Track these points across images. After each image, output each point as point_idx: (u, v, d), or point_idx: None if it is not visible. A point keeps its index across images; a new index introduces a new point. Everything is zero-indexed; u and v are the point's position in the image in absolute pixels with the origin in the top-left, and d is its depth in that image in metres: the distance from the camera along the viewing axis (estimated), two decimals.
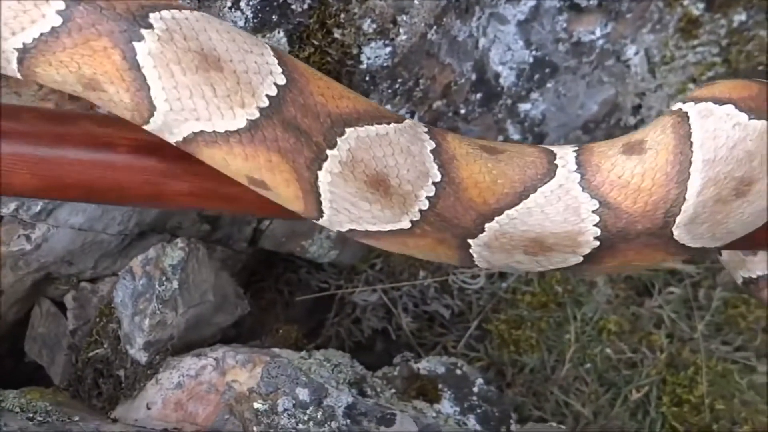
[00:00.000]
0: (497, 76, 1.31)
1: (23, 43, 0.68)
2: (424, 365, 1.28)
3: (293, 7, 1.05)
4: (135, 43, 0.66)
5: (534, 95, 1.36)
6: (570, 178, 0.72)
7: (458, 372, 1.28)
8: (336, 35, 1.10)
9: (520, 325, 1.55)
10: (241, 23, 1.02)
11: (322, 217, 0.72)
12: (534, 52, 1.31)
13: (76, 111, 1.02)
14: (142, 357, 1.09)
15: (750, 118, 0.69)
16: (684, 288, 1.61)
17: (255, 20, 1.02)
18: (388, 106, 1.20)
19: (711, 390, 1.50)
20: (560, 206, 0.71)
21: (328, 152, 0.68)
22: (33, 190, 0.77)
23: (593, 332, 1.57)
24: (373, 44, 1.13)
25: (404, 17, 1.13)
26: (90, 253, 1.15)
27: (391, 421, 1.05)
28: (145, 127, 0.71)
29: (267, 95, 0.68)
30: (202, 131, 0.68)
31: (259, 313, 1.46)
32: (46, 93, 1.02)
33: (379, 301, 1.50)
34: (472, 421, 1.21)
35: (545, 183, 0.72)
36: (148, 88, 0.67)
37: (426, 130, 0.73)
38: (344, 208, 0.71)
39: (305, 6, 1.05)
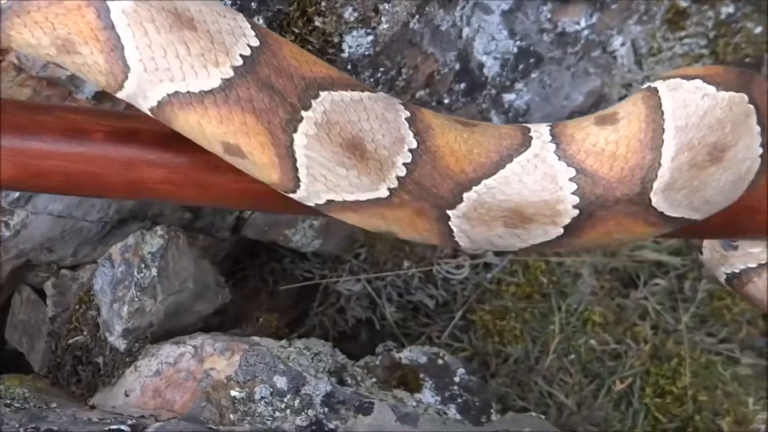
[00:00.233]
0: (481, 66, 1.30)
1: None
2: (406, 355, 1.28)
3: None
4: (109, 2, 0.66)
5: (518, 85, 1.36)
6: (545, 148, 0.72)
7: (440, 362, 1.28)
8: (317, 23, 1.09)
9: (505, 316, 1.55)
10: None
11: (299, 187, 0.71)
12: (518, 42, 1.31)
13: (50, 103, 1.02)
14: (121, 344, 1.09)
15: (718, 90, 0.71)
16: (669, 280, 1.61)
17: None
18: None
19: (694, 381, 1.50)
20: (537, 175, 0.72)
21: (303, 113, 0.68)
22: (9, 181, 0.77)
23: (578, 323, 1.57)
24: (354, 33, 1.12)
25: (386, 6, 1.12)
26: (70, 240, 1.15)
27: (369, 410, 1.05)
28: (119, 94, 0.71)
29: (241, 55, 0.68)
30: (176, 92, 0.68)
31: (243, 302, 1.46)
32: (24, 79, 1.02)
33: (363, 290, 1.50)
34: (452, 411, 1.21)
35: (521, 153, 0.72)
36: (122, 48, 0.67)
37: (400, 101, 0.74)
38: (321, 175, 0.70)
39: None
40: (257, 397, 1.02)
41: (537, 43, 1.33)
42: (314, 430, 1.00)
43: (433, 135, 0.72)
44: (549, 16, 1.31)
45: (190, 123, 0.70)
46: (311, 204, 0.74)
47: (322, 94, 0.69)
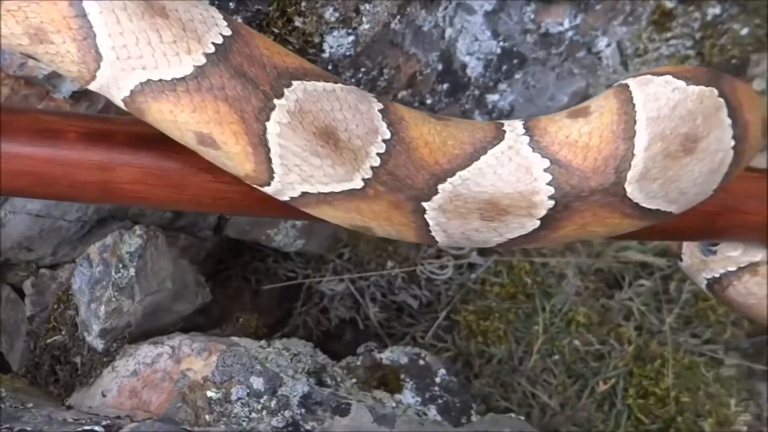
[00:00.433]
0: (464, 66, 1.30)
1: None
2: (387, 355, 1.28)
3: None
4: None
5: (502, 86, 1.36)
6: (519, 140, 0.73)
7: (421, 362, 1.28)
8: (297, 23, 1.09)
9: (489, 316, 1.55)
10: None
11: (273, 179, 0.71)
12: (502, 43, 1.31)
13: (21, 106, 1.01)
14: (99, 344, 1.09)
15: (688, 84, 0.72)
16: (654, 281, 1.61)
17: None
18: None
19: (677, 382, 1.50)
20: (512, 166, 0.72)
21: (276, 101, 0.68)
22: None
23: (562, 324, 1.57)
24: (335, 33, 1.12)
25: (367, 6, 1.12)
26: (48, 239, 1.14)
27: (346, 411, 1.05)
28: (92, 85, 0.71)
29: (213, 43, 0.68)
30: (149, 80, 0.68)
31: (226, 302, 1.46)
32: (2, 78, 1.02)
33: (346, 290, 1.50)
34: (432, 412, 1.21)
35: (495, 145, 0.73)
36: (95, 36, 0.67)
37: (373, 95, 0.74)
38: (295, 165, 0.70)
39: None
40: (233, 397, 1.02)
41: (520, 43, 1.33)
42: (290, 431, 1.00)
43: (407, 127, 0.72)
44: (532, 17, 1.30)
45: (163, 112, 0.70)
46: (286, 198, 0.73)
47: (295, 83, 0.69)
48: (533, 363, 1.54)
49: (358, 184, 0.71)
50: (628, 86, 0.73)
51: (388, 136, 0.71)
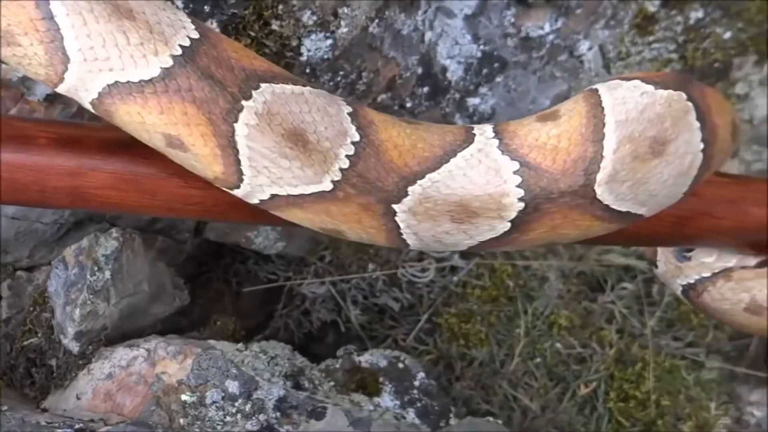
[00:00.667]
0: (444, 70, 1.30)
1: None
2: (366, 358, 1.28)
3: None
4: None
5: (483, 90, 1.36)
6: (488, 144, 0.73)
7: (400, 365, 1.28)
8: (274, 27, 1.09)
9: (470, 319, 1.55)
10: None
11: (242, 181, 0.71)
12: (482, 47, 1.31)
13: None
14: (74, 347, 1.08)
15: (656, 88, 0.73)
16: (637, 284, 1.61)
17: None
18: None
19: (657, 386, 1.51)
20: (481, 169, 0.72)
21: (244, 103, 0.68)
22: None
23: (544, 327, 1.57)
24: (313, 36, 1.12)
25: (345, 10, 1.12)
26: (25, 241, 1.14)
27: (321, 415, 1.05)
28: (60, 88, 0.71)
29: (180, 45, 0.68)
30: (116, 82, 0.68)
31: (207, 304, 1.46)
32: None
33: (327, 293, 1.50)
34: (411, 415, 1.21)
35: (465, 148, 0.73)
36: (62, 38, 0.67)
37: (342, 98, 0.74)
38: (264, 167, 0.70)
39: None
40: (208, 401, 1.02)
41: (501, 47, 1.33)
42: None
43: (377, 130, 0.72)
44: (513, 20, 1.30)
45: (131, 114, 0.70)
46: (256, 201, 0.73)
47: (263, 85, 0.69)
48: (515, 366, 1.54)
49: (327, 186, 0.71)
50: (598, 91, 0.74)
51: (357, 138, 0.71)
